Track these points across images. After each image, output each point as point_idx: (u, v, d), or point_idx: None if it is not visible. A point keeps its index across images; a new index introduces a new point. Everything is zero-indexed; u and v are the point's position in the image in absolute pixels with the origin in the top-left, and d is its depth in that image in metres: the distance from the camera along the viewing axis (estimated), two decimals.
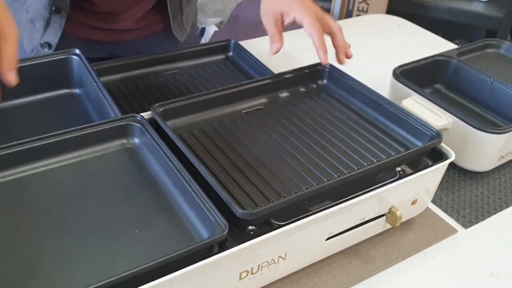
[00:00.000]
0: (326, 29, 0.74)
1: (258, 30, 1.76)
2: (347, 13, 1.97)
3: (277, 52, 0.74)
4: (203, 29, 2.14)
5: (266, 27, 0.77)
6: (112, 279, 0.43)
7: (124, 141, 0.62)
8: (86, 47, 0.80)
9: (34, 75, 0.75)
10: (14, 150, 0.55)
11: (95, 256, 0.49)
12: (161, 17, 0.93)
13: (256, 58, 0.88)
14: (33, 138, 0.56)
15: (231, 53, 0.95)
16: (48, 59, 0.75)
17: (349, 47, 0.76)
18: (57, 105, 0.77)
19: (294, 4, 0.74)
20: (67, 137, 0.58)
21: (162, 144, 0.58)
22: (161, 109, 0.64)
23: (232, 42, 0.95)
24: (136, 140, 0.62)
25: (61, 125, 0.72)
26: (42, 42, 0.84)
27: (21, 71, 0.71)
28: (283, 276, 0.57)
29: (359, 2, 1.94)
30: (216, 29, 2.01)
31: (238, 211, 0.49)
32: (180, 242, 0.50)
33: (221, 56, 0.95)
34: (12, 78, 0.53)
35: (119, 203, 0.54)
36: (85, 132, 0.59)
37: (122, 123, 0.61)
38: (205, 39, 2.11)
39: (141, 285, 0.44)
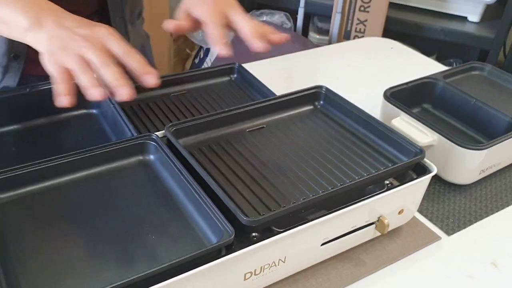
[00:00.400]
0: (230, 24, 0.72)
1: (260, 52, 1.85)
2: (345, 34, 2.06)
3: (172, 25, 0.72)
4: (207, 50, 2.23)
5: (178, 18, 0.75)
6: (132, 278, 0.50)
7: (140, 157, 0.69)
8: (47, 82, 0.81)
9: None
10: (46, 165, 0.62)
11: (117, 258, 0.56)
12: None
13: (259, 81, 0.95)
14: (62, 155, 0.64)
15: (235, 75, 1.02)
16: None
17: (267, 34, 0.74)
18: (76, 124, 0.84)
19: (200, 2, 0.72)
20: (91, 154, 0.65)
21: (175, 160, 0.65)
22: (174, 128, 0.71)
23: (236, 65, 1.02)
24: (152, 157, 0.69)
25: (80, 142, 0.80)
26: (1, 87, 0.86)
27: (42, 93, 0.80)
28: (283, 278, 0.64)
29: (357, 24, 2.03)
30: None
31: (243, 219, 0.56)
32: (191, 246, 0.57)
33: (226, 78, 1.02)
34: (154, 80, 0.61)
35: (137, 212, 0.61)
36: (107, 150, 0.66)
37: (139, 142, 0.68)
38: (209, 59, 2.20)
39: (158, 283, 0.51)
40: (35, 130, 0.80)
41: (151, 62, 1.13)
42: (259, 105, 0.81)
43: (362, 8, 2.00)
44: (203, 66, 2.23)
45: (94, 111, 0.86)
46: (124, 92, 0.57)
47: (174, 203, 0.63)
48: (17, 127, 0.79)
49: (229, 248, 0.56)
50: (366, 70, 1.19)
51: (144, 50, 1.10)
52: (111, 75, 0.57)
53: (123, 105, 0.87)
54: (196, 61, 2.30)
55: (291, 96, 0.83)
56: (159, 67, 2.03)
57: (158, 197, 0.64)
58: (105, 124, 0.84)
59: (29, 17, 0.59)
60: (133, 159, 0.69)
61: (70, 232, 0.58)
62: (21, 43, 0.70)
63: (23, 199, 0.61)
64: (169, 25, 0.72)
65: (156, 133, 0.70)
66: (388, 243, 0.71)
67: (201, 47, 2.27)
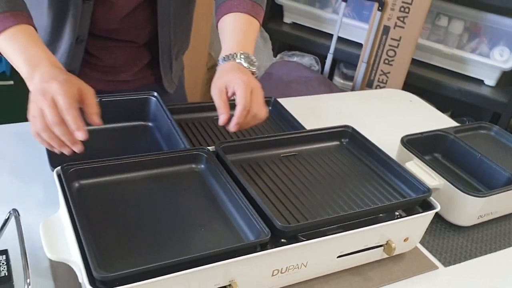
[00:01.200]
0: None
1: (288, 88, 2.01)
2: (368, 82, 2.21)
3: (224, 123, 0.84)
4: None
5: (213, 100, 0.86)
6: (186, 257, 0.62)
7: (193, 165, 0.82)
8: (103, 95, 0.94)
9: (119, 108, 0.96)
10: (120, 162, 0.76)
11: (173, 242, 0.68)
12: (153, 71, 1.13)
13: (292, 114, 1.09)
14: (134, 155, 0.78)
15: (270, 108, 1.16)
16: (132, 97, 0.97)
17: (237, 121, 0.83)
18: (133, 134, 0.98)
19: (235, 78, 0.84)
20: (157, 157, 0.79)
21: (222, 171, 0.78)
22: (222, 145, 0.84)
23: (273, 99, 1.16)
24: (203, 166, 0.82)
25: (134, 149, 0.93)
26: None
27: (110, 104, 0.95)
28: (303, 281, 0.75)
29: (380, 75, 2.18)
30: None
31: (278, 224, 0.69)
32: (232, 241, 0.70)
33: None
34: (97, 120, 0.75)
35: (189, 210, 0.74)
36: (167, 156, 0.80)
37: (194, 153, 0.82)
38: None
39: (205, 265, 0.63)
40: (99, 133, 0.93)
41: (182, 89, 1.28)
42: (292, 136, 0.94)
43: (386, 61, 2.15)
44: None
45: (150, 124, 1.00)
46: (76, 149, 0.72)
47: (219, 206, 0.75)
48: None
49: (264, 247, 0.68)
50: (386, 118, 1.33)
51: (181, 79, 1.25)
52: (61, 134, 0.71)
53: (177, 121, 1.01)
54: None
55: (321, 131, 0.96)
56: (191, 93, 2.18)
57: (206, 199, 0.76)
58: (159, 136, 0.97)
59: (27, 71, 0.76)
60: (187, 166, 0.82)
61: (135, 217, 0.71)
62: (76, 61, 0.85)
63: (101, 186, 0.74)
64: (223, 121, 0.85)
65: (208, 147, 0.84)
66: (393, 265, 0.82)
67: None
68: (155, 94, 0.99)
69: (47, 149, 0.77)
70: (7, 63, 1.89)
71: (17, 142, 0.98)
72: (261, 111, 0.85)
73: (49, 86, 0.71)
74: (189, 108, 1.07)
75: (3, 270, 0.62)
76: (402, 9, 2.04)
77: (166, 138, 0.95)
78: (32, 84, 0.74)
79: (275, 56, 2.41)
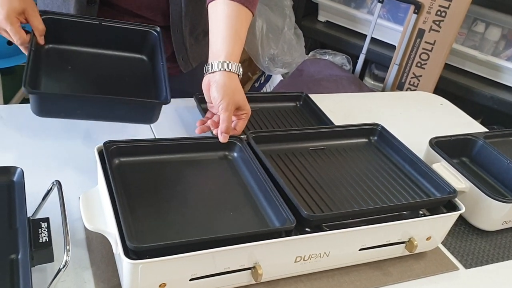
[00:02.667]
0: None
1: (318, 86, 2.02)
2: (399, 85, 2.20)
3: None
4: (269, 76, 2.41)
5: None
6: (216, 236, 0.65)
7: (226, 153, 0.85)
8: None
9: (117, 35, 1.00)
10: (157, 143, 0.81)
11: (203, 222, 0.71)
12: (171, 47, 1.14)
13: (321, 110, 1.11)
14: (173, 138, 0.83)
15: (301, 102, 1.18)
16: (132, 27, 1.00)
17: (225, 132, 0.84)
18: (125, 65, 1.00)
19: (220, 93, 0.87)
20: (192, 142, 0.83)
21: (254, 159, 0.81)
22: (254, 135, 0.87)
23: (304, 94, 1.18)
24: (235, 154, 0.85)
25: (125, 83, 0.97)
26: None
27: (108, 29, 0.99)
28: (323, 270, 0.77)
29: (412, 77, 2.17)
30: (281, 78, 2.27)
31: (304, 212, 0.71)
32: (258, 225, 0.72)
33: (292, 104, 1.18)
34: (40, 41, 0.92)
35: (220, 194, 0.77)
36: (203, 142, 0.84)
37: (228, 140, 0.84)
38: (269, 85, 2.38)
39: (232, 245, 0.65)
40: (94, 57, 1.00)
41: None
42: (322, 130, 0.96)
43: (419, 64, 2.14)
44: (262, 90, 2.41)
45: (145, 58, 1.04)
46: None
47: (248, 192, 0.78)
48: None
49: (289, 234, 0.71)
50: (415, 119, 1.33)
51: (201, 65, 1.26)
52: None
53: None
54: (256, 85, 2.48)
55: (350, 128, 0.98)
56: None
57: (236, 185, 0.79)
58: (149, 74, 1.00)
59: None
60: (220, 153, 0.85)
61: (168, 196, 0.74)
62: None
63: (138, 164, 0.78)
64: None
65: (240, 136, 0.86)
66: (413, 262, 0.84)
67: (263, 73, 2.45)
68: (158, 29, 1.01)
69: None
70: None
71: (60, 119, 1.02)
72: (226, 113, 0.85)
73: None
74: None
75: (44, 236, 0.66)
76: (439, 13, 2.03)
77: (153, 79, 0.97)
78: None
79: (307, 53, 2.43)
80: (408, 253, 0.82)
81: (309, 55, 2.40)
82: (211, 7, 0.95)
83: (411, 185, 0.87)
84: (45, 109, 0.83)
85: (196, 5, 1.11)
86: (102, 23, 0.99)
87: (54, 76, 0.93)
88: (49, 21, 0.94)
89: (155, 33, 1.01)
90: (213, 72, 0.88)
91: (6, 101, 2.24)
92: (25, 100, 2.46)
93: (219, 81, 0.87)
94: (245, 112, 0.91)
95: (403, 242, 0.81)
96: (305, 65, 2.18)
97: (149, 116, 0.86)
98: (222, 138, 0.83)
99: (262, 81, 2.45)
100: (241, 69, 0.91)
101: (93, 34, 0.99)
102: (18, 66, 2.02)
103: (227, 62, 0.88)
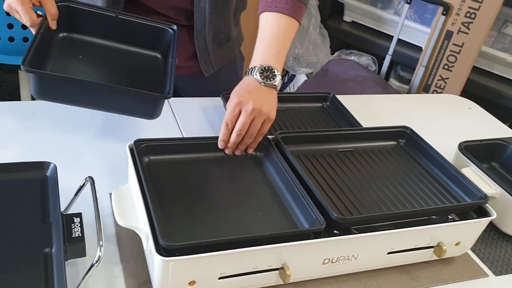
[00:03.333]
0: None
1: (343, 86, 2.01)
2: (425, 87, 2.18)
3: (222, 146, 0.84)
4: (293, 76, 2.41)
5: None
6: (245, 236, 0.65)
7: (254, 153, 0.85)
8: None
9: (133, 30, 0.98)
10: (187, 142, 0.82)
11: (232, 221, 0.72)
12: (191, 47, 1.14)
13: (349, 111, 1.11)
14: (203, 137, 0.83)
15: (328, 103, 1.18)
16: (148, 23, 0.99)
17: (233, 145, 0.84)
18: (141, 62, 0.99)
19: (232, 96, 0.86)
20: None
21: (281, 160, 0.81)
22: (282, 135, 0.87)
23: (331, 95, 1.18)
24: (263, 154, 0.85)
25: (133, 78, 0.95)
26: None
27: (123, 22, 0.98)
28: (351, 273, 0.77)
29: (438, 80, 2.15)
30: (306, 78, 2.27)
31: (333, 215, 0.71)
32: (287, 227, 0.72)
33: (319, 104, 1.18)
34: (52, 25, 0.90)
35: (248, 193, 0.77)
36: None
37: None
38: (293, 85, 2.38)
39: (261, 245, 0.66)
40: (109, 50, 1.00)
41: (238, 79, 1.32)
42: (350, 132, 0.96)
43: (446, 66, 2.11)
44: (285, 90, 2.41)
45: (158, 55, 1.03)
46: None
47: (276, 192, 0.78)
48: None
49: (317, 235, 0.70)
50: (443, 123, 1.32)
51: (235, 67, 1.29)
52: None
53: None
54: None
55: (379, 130, 0.97)
56: None
57: (264, 185, 0.79)
58: (160, 71, 0.99)
59: None
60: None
61: (198, 194, 0.75)
62: None
63: (168, 162, 0.79)
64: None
65: (268, 136, 0.87)
66: (441, 267, 0.83)
67: (287, 72, 2.45)
68: (174, 27, 0.99)
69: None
70: None
71: (92, 116, 1.04)
72: (253, 129, 0.84)
73: None
74: None
75: (77, 231, 0.67)
76: (468, 14, 2.00)
77: (163, 77, 0.94)
78: None
79: (332, 53, 2.42)
80: (437, 258, 0.81)
81: (334, 55, 2.39)
82: (260, 18, 0.96)
83: (440, 190, 0.86)
84: (43, 91, 0.82)
85: (219, 13, 1.12)
86: (119, 16, 0.98)
87: (62, 62, 0.92)
88: (64, 8, 0.93)
89: (171, 31, 0.99)
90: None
91: (34, 97, 2.28)
92: None
93: (241, 83, 0.88)
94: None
95: (431, 247, 0.80)
96: (330, 65, 2.17)
97: (150, 110, 0.84)
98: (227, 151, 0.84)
99: (285, 81, 2.45)
100: (277, 79, 0.89)
101: (109, 26, 0.98)
102: None
103: (261, 66, 0.88)
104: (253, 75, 0.88)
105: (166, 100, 0.92)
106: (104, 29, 0.98)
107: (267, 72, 0.88)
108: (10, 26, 1.80)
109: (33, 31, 0.90)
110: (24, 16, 0.87)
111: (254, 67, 0.89)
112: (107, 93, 0.83)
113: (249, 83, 0.87)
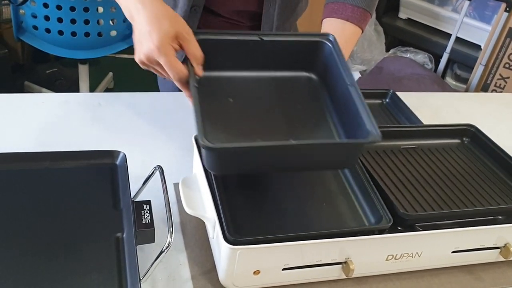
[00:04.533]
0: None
1: (399, 84, 1.98)
2: (484, 86, 2.11)
3: None
4: None
5: None
6: (310, 232, 0.66)
7: None
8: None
9: (283, 52, 0.79)
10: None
11: (299, 214, 0.72)
12: None
13: (409, 108, 1.09)
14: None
15: (387, 100, 1.16)
16: (298, 39, 0.80)
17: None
18: (289, 87, 0.79)
19: None
20: None
21: None
22: None
23: (391, 91, 1.16)
24: None
25: (294, 109, 0.75)
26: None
27: (280, 45, 0.79)
28: (413, 270, 0.76)
29: (498, 79, 2.08)
30: (359, 75, 2.24)
31: (399, 211, 0.70)
32: (353, 221, 0.72)
33: (378, 101, 1.17)
34: (199, 72, 0.73)
35: (313, 185, 0.78)
36: None
37: None
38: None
39: (326, 238, 0.66)
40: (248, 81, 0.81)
41: None
42: (414, 129, 0.94)
43: (507, 65, 2.04)
44: None
45: (314, 76, 0.84)
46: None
47: (343, 185, 0.78)
48: None
49: (382, 231, 0.70)
50: (506, 122, 1.27)
51: None
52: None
53: None
54: None
55: (443, 127, 0.95)
56: None
57: (329, 177, 0.79)
58: (326, 97, 0.81)
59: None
60: None
61: (263, 184, 0.76)
62: None
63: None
64: None
65: None
66: (507, 269, 0.81)
67: None
68: (331, 38, 0.79)
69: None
70: None
71: (153, 110, 1.07)
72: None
73: (149, 49, 0.71)
74: None
75: (146, 218, 0.69)
76: None
77: (338, 104, 0.76)
78: (136, 25, 0.74)
79: (387, 51, 2.38)
80: (503, 259, 0.79)
81: (390, 52, 2.35)
82: (324, 23, 0.94)
83: (507, 190, 0.84)
84: (227, 166, 0.66)
85: (287, 19, 1.12)
86: (263, 39, 0.78)
87: (215, 114, 0.72)
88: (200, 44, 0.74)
89: (328, 43, 0.79)
90: None
91: (92, 90, 2.36)
92: (108, 89, 2.59)
93: None
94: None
95: (498, 248, 0.78)
96: (385, 63, 2.14)
97: (352, 159, 0.69)
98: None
99: None
100: None
101: (250, 53, 0.78)
102: (104, 57, 2.12)
103: None
104: None
105: None
106: (245, 58, 0.79)
107: None
108: (73, 21, 1.87)
109: (180, 85, 0.75)
110: (170, 69, 0.71)
111: None
112: (306, 151, 0.66)
113: None
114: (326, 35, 0.81)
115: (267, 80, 0.79)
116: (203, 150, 0.64)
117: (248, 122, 0.72)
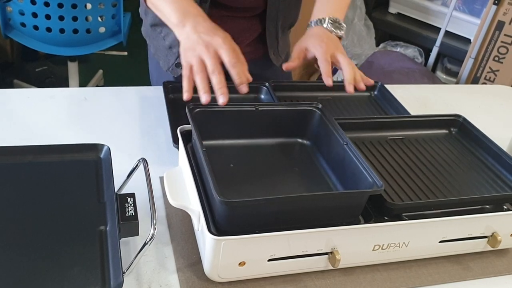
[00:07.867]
0: (336, 63, 0.94)
1: (389, 78, 1.98)
2: (474, 79, 2.11)
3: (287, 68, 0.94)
4: (335, 70, 2.38)
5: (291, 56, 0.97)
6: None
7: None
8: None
9: (277, 120, 0.84)
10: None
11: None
12: (262, 45, 1.15)
13: (397, 100, 1.09)
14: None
15: (376, 92, 1.16)
16: (293, 108, 0.84)
17: (360, 81, 0.92)
18: (292, 154, 0.83)
19: (316, 43, 0.93)
20: None
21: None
22: (338, 122, 0.86)
23: (379, 83, 1.16)
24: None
25: (292, 172, 0.78)
26: (177, 63, 1.07)
27: (273, 114, 0.84)
28: (402, 260, 0.76)
29: (488, 72, 2.08)
30: None
31: (386, 201, 0.70)
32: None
33: (367, 93, 1.16)
34: (244, 89, 0.77)
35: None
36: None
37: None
38: (336, 77, 2.35)
39: (314, 228, 0.65)
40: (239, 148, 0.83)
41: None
42: (401, 119, 0.94)
43: (496, 58, 2.04)
44: None
45: (307, 142, 0.87)
46: (221, 100, 0.74)
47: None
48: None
49: (368, 220, 0.70)
50: (494, 113, 1.27)
51: (287, 55, 1.27)
52: (216, 83, 0.75)
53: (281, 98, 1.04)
54: None
55: (430, 118, 0.95)
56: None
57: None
58: (322, 161, 0.83)
59: (177, 17, 0.81)
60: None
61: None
62: None
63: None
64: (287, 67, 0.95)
65: None
66: (495, 259, 0.80)
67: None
68: (320, 106, 0.85)
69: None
70: (125, 34, 2.02)
71: (138, 104, 1.06)
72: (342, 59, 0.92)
73: (212, 39, 0.77)
74: (294, 86, 1.10)
75: (130, 210, 0.68)
76: None
77: (335, 163, 0.79)
78: (184, 32, 0.80)
79: (377, 45, 2.38)
80: (490, 249, 0.79)
81: (380, 47, 2.35)
82: None
83: (494, 179, 0.84)
84: (238, 223, 0.65)
85: (291, 2, 1.13)
86: (259, 109, 0.82)
87: (220, 178, 0.69)
88: (199, 115, 0.78)
89: (317, 111, 0.84)
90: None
91: (82, 86, 2.35)
92: (98, 87, 2.57)
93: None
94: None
95: (485, 237, 0.78)
96: (375, 57, 2.14)
97: (357, 209, 0.70)
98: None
99: None
100: (344, 29, 0.99)
101: (247, 122, 0.83)
102: (93, 54, 2.11)
103: (330, 18, 0.97)
104: (323, 25, 0.97)
105: None
106: (242, 127, 0.83)
107: (336, 23, 0.98)
108: (61, 18, 1.86)
109: (216, 74, 0.75)
110: (231, 50, 0.77)
111: (324, 18, 0.97)
112: (311, 203, 0.68)
113: (323, 33, 0.96)
114: (315, 104, 0.85)
115: (264, 147, 0.84)
116: (217, 205, 0.64)
117: (248, 184, 0.76)
